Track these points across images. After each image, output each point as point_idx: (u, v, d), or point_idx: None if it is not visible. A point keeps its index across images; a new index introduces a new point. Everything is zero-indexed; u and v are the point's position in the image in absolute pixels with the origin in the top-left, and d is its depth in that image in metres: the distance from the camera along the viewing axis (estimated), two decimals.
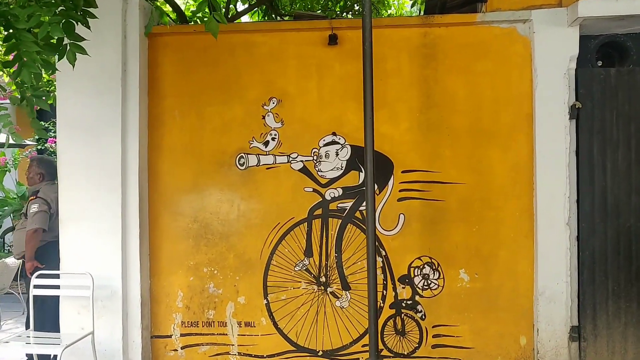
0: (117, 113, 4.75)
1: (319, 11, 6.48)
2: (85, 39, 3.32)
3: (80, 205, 4.81)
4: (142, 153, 4.89)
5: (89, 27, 3.37)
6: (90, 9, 3.37)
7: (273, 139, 4.91)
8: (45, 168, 5.26)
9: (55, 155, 9.79)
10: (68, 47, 3.30)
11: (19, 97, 3.42)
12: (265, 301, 4.93)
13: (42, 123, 10.25)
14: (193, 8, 6.71)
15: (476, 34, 4.78)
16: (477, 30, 4.79)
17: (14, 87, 5.48)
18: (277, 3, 6.33)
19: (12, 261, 7.53)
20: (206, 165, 4.97)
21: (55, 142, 10.55)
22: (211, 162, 4.96)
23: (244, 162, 4.93)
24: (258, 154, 4.93)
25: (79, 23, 3.28)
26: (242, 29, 5.18)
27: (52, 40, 3.28)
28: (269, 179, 4.92)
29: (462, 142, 4.79)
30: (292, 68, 4.91)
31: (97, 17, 3.42)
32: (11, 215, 10.15)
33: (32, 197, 4.98)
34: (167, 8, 6.03)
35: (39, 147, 10.38)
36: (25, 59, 3.14)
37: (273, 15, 6.46)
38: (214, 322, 4.97)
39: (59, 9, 3.14)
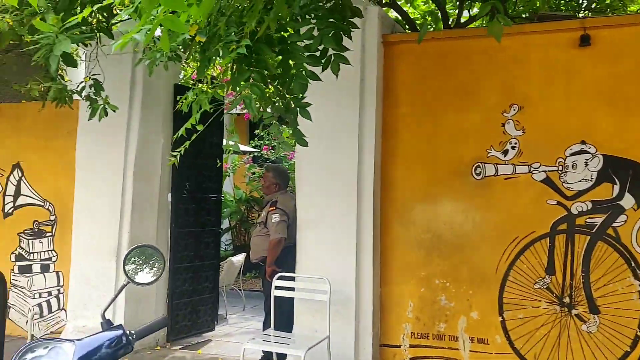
0: (354, 121, 4.83)
1: (563, 10, 6.06)
2: (349, 49, 3.37)
3: (317, 211, 4.96)
4: (377, 161, 4.91)
5: (350, 37, 3.41)
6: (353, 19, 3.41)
7: (513, 147, 4.64)
8: (280, 178, 5.53)
9: (272, 162, 10.43)
10: (332, 58, 3.37)
11: (283, 107, 3.60)
12: (500, 318, 4.67)
13: (259, 132, 11.02)
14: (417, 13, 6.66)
15: None
16: None
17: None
18: (510, 5, 6.03)
19: (237, 259, 8.08)
20: (440, 174, 4.85)
21: (268, 149, 11.25)
22: (446, 171, 4.84)
23: (480, 172, 4.73)
24: (496, 163, 4.70)
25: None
26: (479, 34, 4.98)
27: (316, 52, 3.37)
28: (508, 190, 4.66)
29: None
30: (536, 72, 4.61)
31: (359, 27, 3.46)
32: (229, 217, 11.00)
33: (271, 208, 5.23)
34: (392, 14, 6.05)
35: (255, 154, 11.11)
36: (295, 70, 3.26)
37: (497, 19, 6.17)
38: (444, 335, 4.82)
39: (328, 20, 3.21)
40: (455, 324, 4.79)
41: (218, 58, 3.43)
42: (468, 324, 4.75)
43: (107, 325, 1.95)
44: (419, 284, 4.90)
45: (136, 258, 2.05)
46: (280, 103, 3.58)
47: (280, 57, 3.29)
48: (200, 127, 4.61)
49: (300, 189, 5.06)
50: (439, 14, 6.60)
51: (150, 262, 2.04)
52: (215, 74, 7.31)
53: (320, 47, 3.35)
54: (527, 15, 5.85)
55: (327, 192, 4.91)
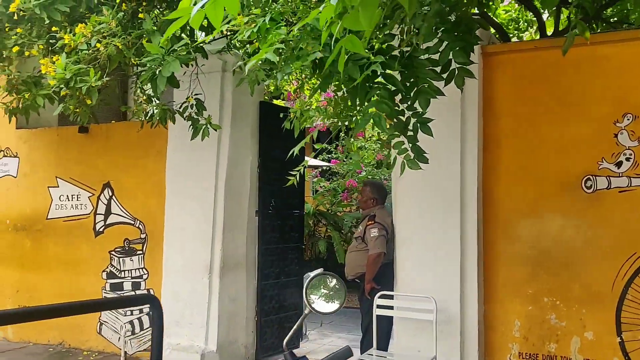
0: (456, 135, 4.71)
1: None
2: (474, 62, 3.28)
3: (417, 227, 4.86)
4: (479, 175, 4.78)
5: (473, 51, 3.32)
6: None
7: (627, 159, 4.44)
8: (378, 193, 5.45)
9: (340, 176, 10.37)
10: (456, 72, 3.28)
11: (402, 123, 3.51)
12: (619, 339, 4.44)
13: (327, 146, 11.00)
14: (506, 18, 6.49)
15: None
16: None
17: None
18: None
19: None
20: (546, 187, 4.67)
21: (336, 163, 11.22)
22: (552, 185, 4.66)
23: (591, 185, 4.53)
24: (608, 176, 4.49)
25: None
26: (583, 42, 4.80)
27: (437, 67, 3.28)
28: (623, 204, 4.45)
29: None
30: None
31: (482, 41, 3.36)
32: None
33: (370, 222, 5.15)
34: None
35: (323, 168, 11.08)
36: (420, 86, 3.19)
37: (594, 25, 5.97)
38: (556, 356, 4.62)
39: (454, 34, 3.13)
40: (568, 345, 4.59)
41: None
42: (582, 344, 4.54)
43: (291, 357, 1.88)
44: (526, 301, 4.72)
45: (316, 285, 1.98)
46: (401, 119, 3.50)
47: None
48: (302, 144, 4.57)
49: (399, 205, 4.96)
50: (519, 20, 6.44)
51: (330, 290, 1.97)
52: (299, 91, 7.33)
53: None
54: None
55: (428, 208, 4.80)
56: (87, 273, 6.61)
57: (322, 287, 1.98)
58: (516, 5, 6.48)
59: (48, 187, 6.87)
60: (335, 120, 6.79)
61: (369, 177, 10.65)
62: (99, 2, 4.64)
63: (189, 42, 4.12)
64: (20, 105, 4.96)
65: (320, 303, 1.99)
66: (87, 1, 4.65)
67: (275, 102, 8.70)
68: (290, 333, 2.04)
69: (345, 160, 11.15)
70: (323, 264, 10.07)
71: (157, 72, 4.11)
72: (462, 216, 4.72)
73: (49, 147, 6.91)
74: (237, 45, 5.39)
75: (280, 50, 2.98)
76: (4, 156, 7.19)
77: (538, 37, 6.75)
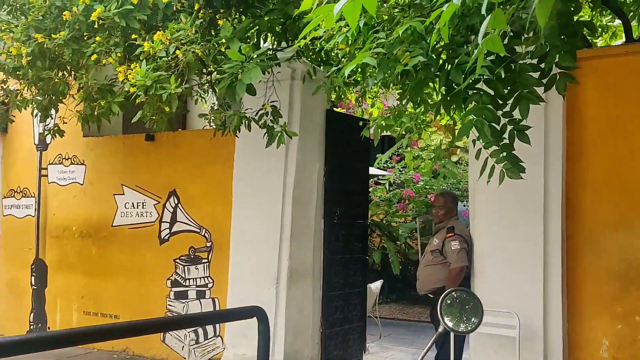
0: (539, 143, 4.52)
1: None
2: (577, 67, 3.11)
3: (497, 239, 4.69)
4: (563, 185, 4.58)
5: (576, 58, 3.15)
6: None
7: None
8: (454, 203, 5.30)
9: (398, 185, 10.21)
10: (557, 77, 3.13)
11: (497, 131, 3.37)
12: None
13: (381, 156, 10.87)
14: None
15: None
16: None
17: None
18: None
19: (375, 286, 7.89)
20: (637, 197, 4.44)
21: (393, 172, 11.06)
22: None
23: None
24: None
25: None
26: None
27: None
28: None
29: None
30: None
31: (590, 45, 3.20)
32: None
33: (449, 235, 4.99)
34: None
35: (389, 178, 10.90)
36: (521, 91, 3.04)
37: None
38: None
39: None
40: None
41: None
42: None
43: None
44: (615, 319, 4.48)
45: (450, 302, 1.86)
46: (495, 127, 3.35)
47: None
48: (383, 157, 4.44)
49: (477, 216, 4.80)
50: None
51: (465, 308, 1.85)
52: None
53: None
54: None
55: (509, 219, 4.63)
56: (151, 281, 6.62)
57: (456, 304, 1.86)
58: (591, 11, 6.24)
59: (114, 194, 6.93)
60: (398, 128, 6.69)
61: (427, 187, 10.47)
62: (175, 10, 4.63)
63: (270, 49, 4.07)
64: (96, 113, 5.00)
65: (456, 321, 1.87)
66: (163, 9, 4.65)
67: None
68: (423, 353, 1.91)
69: (401, 169, 11.00)
70: (378, 276, 9.93)
71: (236, 79, 4.08)
72: (545, 228, 4.52)
73: (115, 155, 6.98)
74: (311, 54, 5.33)
75: (377, 55, 2.88)
76: (71, 164, 7.30)
77: (616, 42, 6.50)
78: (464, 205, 10.11)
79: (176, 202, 6.51)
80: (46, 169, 7.53)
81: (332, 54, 5.79)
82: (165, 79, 4.21)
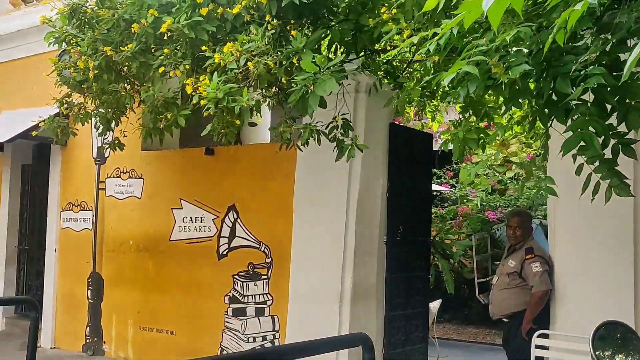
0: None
1: None
2: None
3: (580, 260, 4.41)
4: None
5: None
6: None
7: None
8: (530, 222, 5.05)
9: (453, 201, 9.93)
10: None
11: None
12: None
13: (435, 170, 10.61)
14: None
15: None
16: None
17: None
18: None
19: (433, 306, 7.62)
20: None
21: (447, 187, 10.80)
22: None
23: None
24: None
25: None
26: None
27: None
28: None
29: None
30: None
31: None
32: None
33: (529, 256, 4.72)
34: None
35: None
36: (633, 102, 2.81)
37: None
38: None
39: None
40: None
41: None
42: None
43: None
44: None
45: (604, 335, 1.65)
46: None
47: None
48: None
49: (558, 235, 4.53)
50: None
51: (620, 343, 1.64)
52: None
53: None
54: None
55: (594, 239, 4.35)
56: (209, 297, 6.51)
57: (612, 338, 1.65)
58: None
59: (172, 208, 6.87)
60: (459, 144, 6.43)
61: (483, 204, 10.16)
62: (244, 22, 4.55)
63: (344, 59, 3.93)
64: (161, 126, 4.93)
65: (607, 356, 1.65)
66: (232, 21, 4.57)
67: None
68: None
69: (456, 185, 10.72)
70: (431, 295, 9.64)
71: (308, 92, 3.95)
72: (636, 249, 4.23)
73: (173, 169, 6.94)
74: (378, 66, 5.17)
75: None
76: (129, 177, 7.29)
77: None
78: None
79: (235, 216, 6.41)
80: (104, 182, 7.55)
81: (397, 64, 5.61)
82: (237, 92, 4.11)
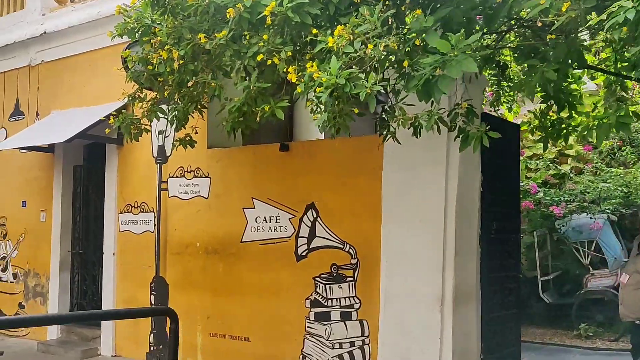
0: None
1: None
2: None
3: None
4: None
5: None
6: None
7: None
8: None
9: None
10: None
11: None
12: None
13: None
14: None
15: None
16: None
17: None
18: None
19: None
20: None
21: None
22: None
23: None
24: None
25: None
26: None
27: None
28: None
29: None
30: None
31: None
32: None
33: None
34: None
35: None
36: None
37: None
38: None
39: None
40: None
41: None
42: None
43: None
44: None
45: None
46: None
47: None
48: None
49: None
50: None
51: None
52: None
53: None
54: None
55: None
56: (287, 300, 6.17)
57: None
58: None
59: (243, 208, 6.53)
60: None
61: (547, 198, 9.75)
62: (350, 3, 4.19)
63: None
64: (258, 119, 4.57)
65: None
66: (337, 3, 4.21)
67: None
68: None
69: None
70: None
71: (433, 76, 3.59)
72: None
73: (244, 167, 6.59)
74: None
75: None
76: (194, 176, 6.96)
77: None
78: (590, 217, 9.37)
79: (315, 215, 6.05)
80: (166, 182, 7.22)
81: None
82: (356, 77, 3.75)
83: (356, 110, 3.92)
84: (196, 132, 5.91)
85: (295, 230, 6.17)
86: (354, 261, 5.80)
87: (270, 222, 6.34)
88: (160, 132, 7.18)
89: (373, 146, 5.65)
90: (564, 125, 5.93)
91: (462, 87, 4.40)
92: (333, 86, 3.71)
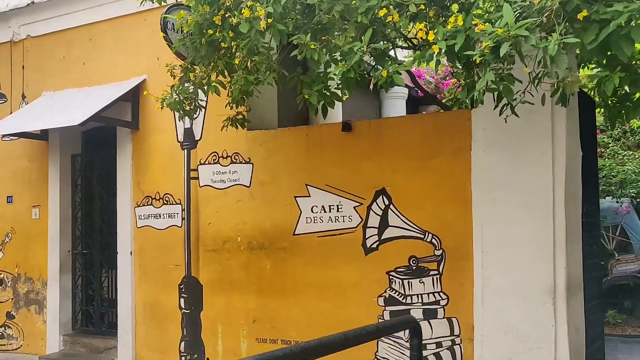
0: None
1: None
2: None
3: None
4: None
5: None
6: None
7: None
8: None
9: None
10: None
11: None
12: None
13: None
14: None
15: None
16: None
17: None
18: None
19: None
20: None
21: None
22: None
23: None
24: None
25: None
26: None
27: None
28: None
29: None
30: None
31: None
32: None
33: None
34: None
35: None
36: None
37: None
38: None
39: None
40: None
41: None
42: None
43: None
44: None
45: None
46: None
47: None
48: None
49: None
50: None
51: None
52: None
53: None
54: None
55: None
56: (354, 299, 5.49)
57: None
58: None
59: (295, 196, 5.79)
60: None
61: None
62: None
63: None
64: (371, 86, 3.87)
65: None
66: None
67: None
68: None
69: None
70: None
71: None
72: None
73: (294, 150, 5.84)
74: None
75: None
76: (232, 162, 6.15)
77: None
78: (617, 202, 9.13)
79: (386, 203, 5.40)
80: (196, 170, 6.37)
81: None
82: (532, 30, 3.14)
83: (528, 71, 3.30)
84: (247, 111, 5.16)
85: (362, 219, 5.49)
86: (438, 252, 5.19)
87: (330, 211, 5.63)
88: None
89: (454, 124, 5.07)
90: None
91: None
92: (509, 39, 3.07)
